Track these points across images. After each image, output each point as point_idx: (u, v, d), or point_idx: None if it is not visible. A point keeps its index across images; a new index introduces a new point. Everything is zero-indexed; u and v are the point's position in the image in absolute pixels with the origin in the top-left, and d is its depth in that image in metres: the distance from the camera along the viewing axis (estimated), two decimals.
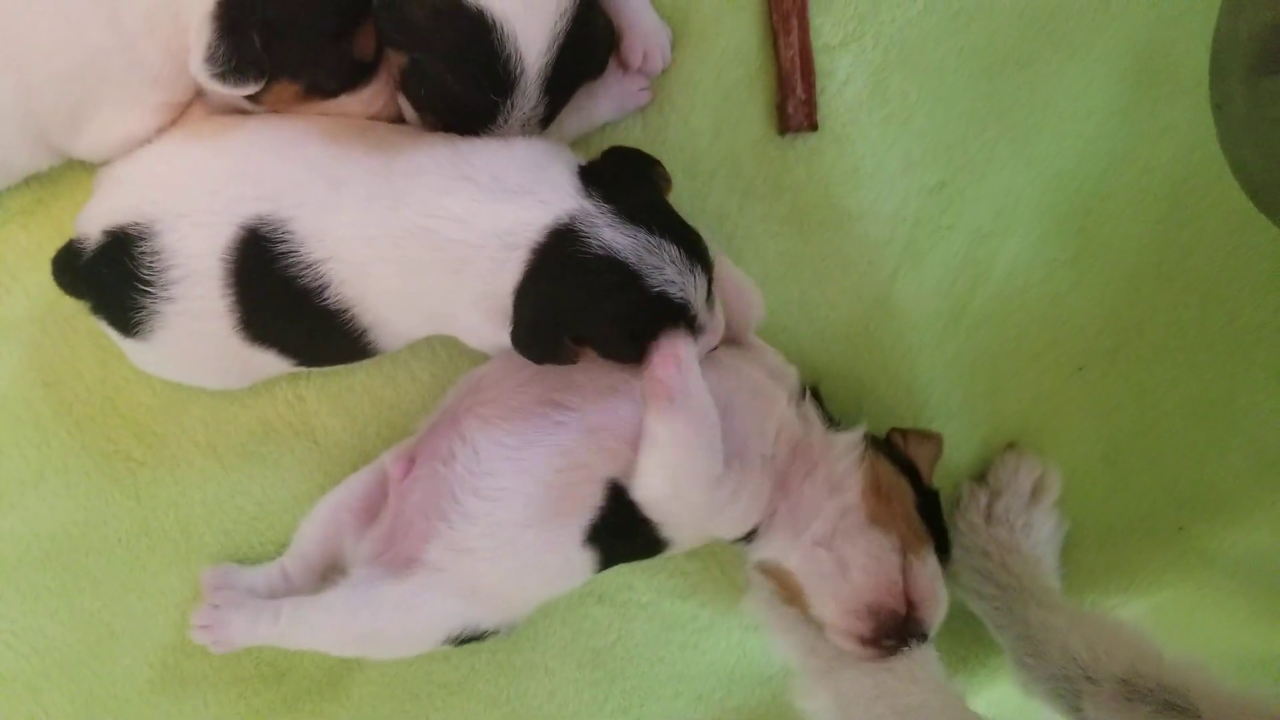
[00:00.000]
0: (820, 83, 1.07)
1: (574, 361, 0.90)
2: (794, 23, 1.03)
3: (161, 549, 1.09)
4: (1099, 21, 1.10)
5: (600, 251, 0.83)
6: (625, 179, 0.88)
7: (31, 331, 1.03)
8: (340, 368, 1.06)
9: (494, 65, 0.84)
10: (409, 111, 0.93)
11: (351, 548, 1.02)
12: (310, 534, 1.06)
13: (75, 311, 1.00)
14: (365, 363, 1.06)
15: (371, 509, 1.03)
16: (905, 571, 0.94)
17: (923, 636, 0.95)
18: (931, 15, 1.08)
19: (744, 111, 1.08)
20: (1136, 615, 1.20)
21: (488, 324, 0.88)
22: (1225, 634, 1.23)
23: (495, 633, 1.01)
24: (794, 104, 1.05)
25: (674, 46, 1.04)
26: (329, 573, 1.04)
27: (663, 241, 0.84)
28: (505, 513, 0.93)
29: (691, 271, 0.86)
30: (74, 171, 0.98)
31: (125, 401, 1.05)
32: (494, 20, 0.82)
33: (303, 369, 0.98)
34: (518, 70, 0.85)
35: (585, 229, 0.83)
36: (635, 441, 0.91)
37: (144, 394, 1.05)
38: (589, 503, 0.92)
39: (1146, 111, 1.11)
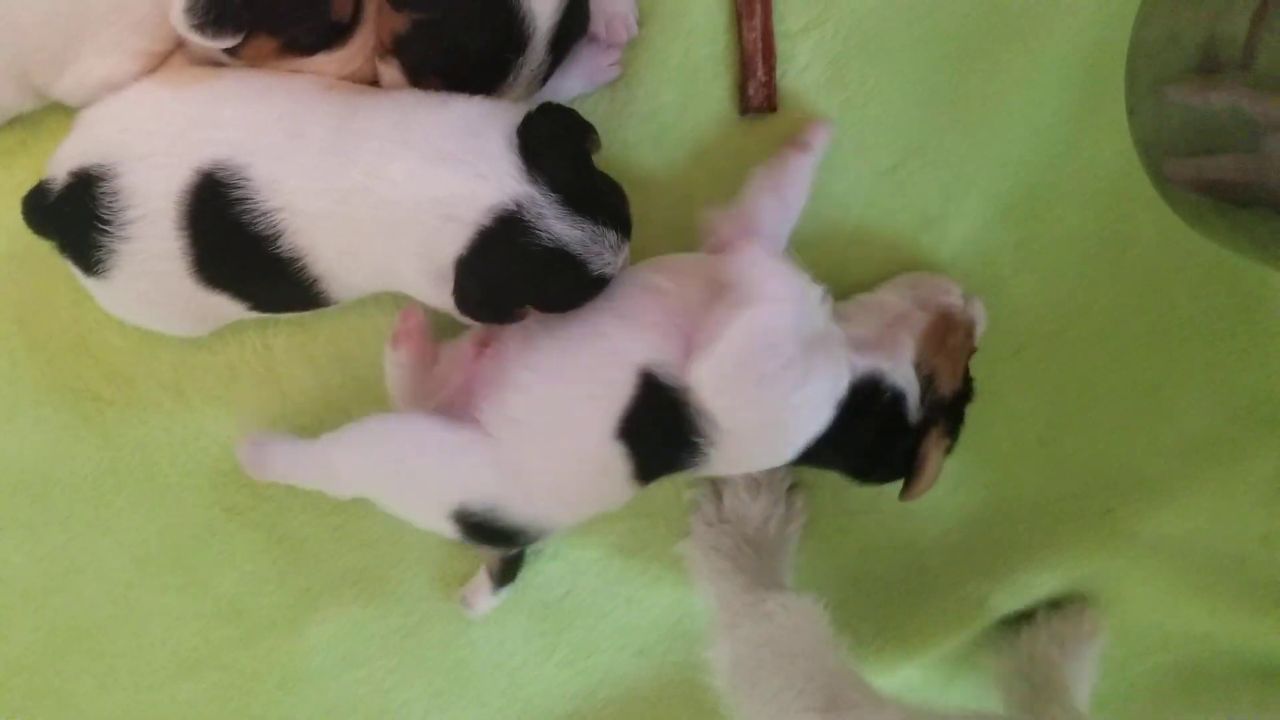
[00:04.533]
0: (781, 66, 1.12)
1: (520, 319, 0.94)
2: (757, 6, 1.07)
3: (127, 487, 1.13)
4: (1050, 17, 1.14)
5: (550, 244, 0.87)
6: (562, 149, 0.90)
7: (9, 269, 1.06)
8: (306, 319, 1.10)
9: (512, 24, 0.90)
10: (391, 76, 0.97)
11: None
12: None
13: (51, 252, 1.03)
14: (331, 316, 1.10)
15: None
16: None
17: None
18: (890, 6, 1.12)
19: (710, 89, 1.12)
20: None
21: (427, 284, 0.92)
22: (1152, 609, 1.30)
23: (518, 537, 1.01)
24: (754, 86, 1.09)
25: (643, 23, 1.08)
26: None
27: (605, 230, 0.89)
28: (548, 386, 0.95)
29: (621, 249, 0.92)
30: (56, 115, 1.00)
31: (96, 343, 1.09)
32: None
33: (256, 315, 1.01)
34: (531, 29, 0.91)
35: (534, 220, 0.86)
36: (662, 328, 0.93)
37: (115, 336, 1.09)
38: (620, 389, 0.93)
39: (1093, 106, 1.16)
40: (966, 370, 1.09)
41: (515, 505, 0.97)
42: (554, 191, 0.87)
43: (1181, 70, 0.80)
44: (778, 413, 0.93)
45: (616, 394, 0.93)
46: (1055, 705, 1.19)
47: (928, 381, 1.04)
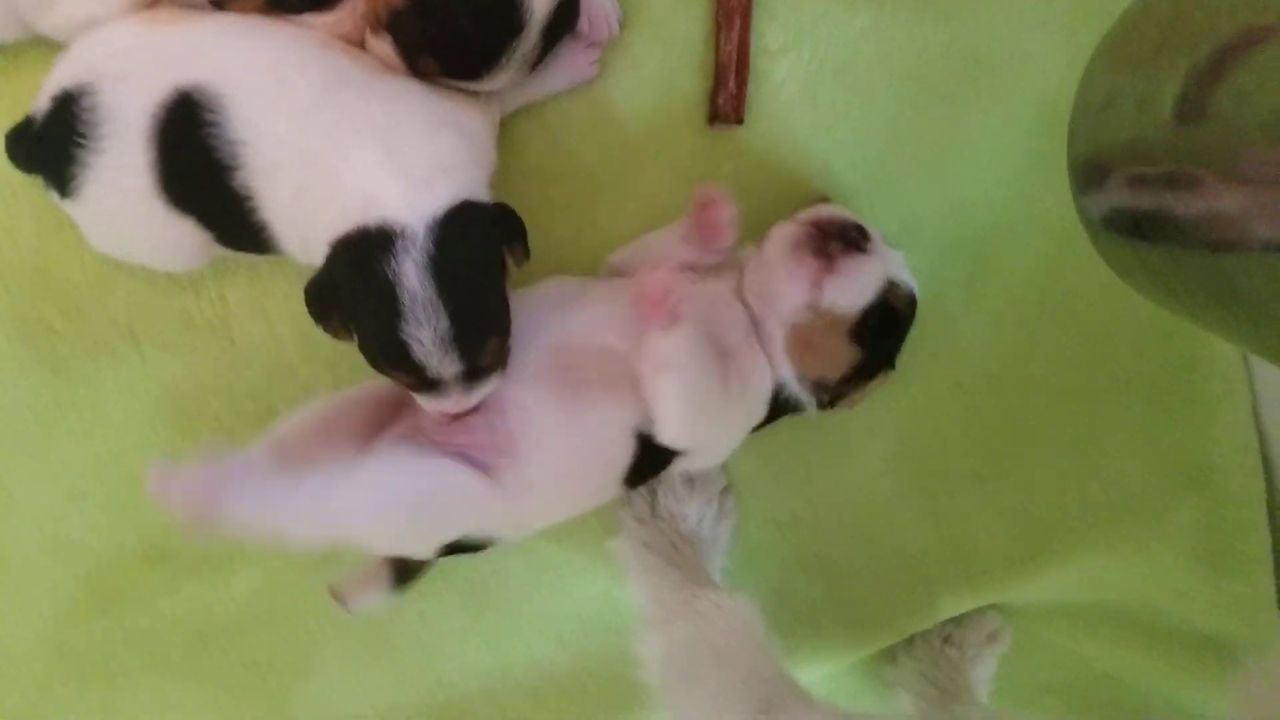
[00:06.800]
0: (757, 83, 1.15)
1: (344, 339, 0.94)
2: (736, 20, 1.10)
3: (68, 421, 1.14)
4: (1021, 70, 1.17)
5: (388, 275, 0.87)
6: (477, 233, 0.91)
7: None
8: (263, 273, 1.12)
9: (510, 9, 0.92)
10: (383, 51, 0.98)
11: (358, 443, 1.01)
12: (302, 422, 1.01)
13: (20, 183, 1.05)
14: (289, 273, 1.12)
15: (381, 422, 1.04)
16: None
17: (860, 235, 1.03)
18: (868, 39, 1.15)
19: (684, 100, 1.15)
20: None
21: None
22: (1063, 650, 1.33)
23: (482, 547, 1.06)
24: (724, 96, 1.12)
25: (625, 27, 1.11)
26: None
27: (440, 308, 0.88)
28: (562, 460, 0.99)
29: (447, 351, 0.89)
30: (38, 49, 1.02)
31: (56, 275, 1.10)
32: None
33: (224, 252, 1.02)
34: (528, 14, 0.93)
35: (397, 249, 0.87)
36: (635, 386, 0.97)
37: (74, 270, 1.10)
38: (623, 451, 1.01)
39: (1053, 160, 1.18)
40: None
41: (505, 533, 1.06)
42: (433, 245, 0.88)
43: (1115, 129, 0.85)
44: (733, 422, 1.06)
45: (622, 456, 1.02)
46: (964, 704, 1.23)
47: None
